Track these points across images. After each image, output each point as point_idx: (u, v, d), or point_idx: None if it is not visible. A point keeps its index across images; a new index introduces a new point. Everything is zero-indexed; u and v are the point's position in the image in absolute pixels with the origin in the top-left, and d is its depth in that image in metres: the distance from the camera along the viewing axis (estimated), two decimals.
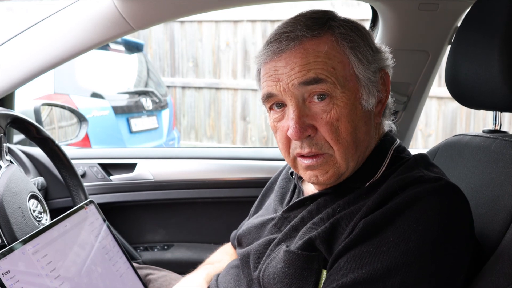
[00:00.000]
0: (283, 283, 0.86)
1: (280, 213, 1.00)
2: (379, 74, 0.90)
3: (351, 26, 0.89)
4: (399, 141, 0.97)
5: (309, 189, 1.02)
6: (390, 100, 0.95)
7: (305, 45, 0.85)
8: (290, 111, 0.86)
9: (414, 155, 0.92)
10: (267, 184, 1.22)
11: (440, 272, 0.75)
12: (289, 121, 0.86)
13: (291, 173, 1.10)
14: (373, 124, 0.91)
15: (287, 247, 0.90)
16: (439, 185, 0.80)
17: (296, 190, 1.05)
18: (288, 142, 0.90)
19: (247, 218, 1.25)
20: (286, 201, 1.05)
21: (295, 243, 0.89)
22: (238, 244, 1.10)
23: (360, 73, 0.86)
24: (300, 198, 0.99)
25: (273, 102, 0.90)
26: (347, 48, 0.86)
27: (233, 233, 1.24)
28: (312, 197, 0.96)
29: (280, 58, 0.86)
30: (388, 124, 0.98)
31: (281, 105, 0.89)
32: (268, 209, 1.10)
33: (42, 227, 1.03)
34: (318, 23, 0.87)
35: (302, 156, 0.89)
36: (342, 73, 0.85)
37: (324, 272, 0.84)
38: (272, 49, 0.87)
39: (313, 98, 0.86)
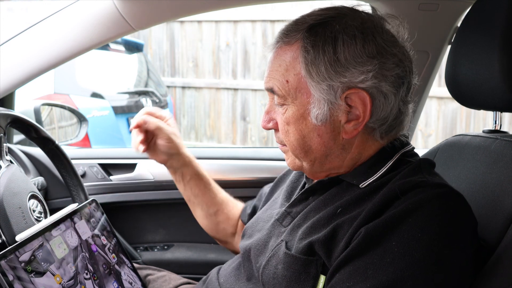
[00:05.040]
0: (281, 284, 0.87)
1: (284, 208, 1.00)
2: (344, 93, 0.85)
3: (327, 36, 0.85)
4: (412, 146, 0.95)
5: None
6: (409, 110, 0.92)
7: (278, 52, 0.91)
8: None
9: (419, 159, 0.91)
10: (283, 172, 1.22)
11: (446, 281, 0.74)
12: None
13: None
14: (339, 138, 0.88)
15: (287, 246, 0.90)
16: (442, 191, 0.79)
17: (306, 185, 1.04)
18: None
19: (257, 199, 1.29)
20: (294, 196, 1.05)
21: (296, 244, 0.88)
22: (243, 235, 1.11)
23: (311, 88, 0.86)
24: (302, 191, 0.99)
25: None
26: (300, 62, 0.87)
27: (245, 205, 1.33)
28: (314, 190, 0.96)
29: (269, 59, 0.94)
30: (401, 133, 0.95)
31: None
32: (276, 203, 1.11)
33: (46, 225, 1.03)
34: (298, 29, 0.88)
35: None
36: (296, 85, 0.88)
37: (322, 278, 0.83)
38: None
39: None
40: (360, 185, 0.88)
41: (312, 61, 0.85)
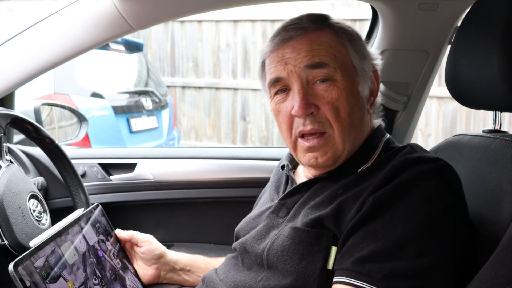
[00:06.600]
0: (293, 259, 0.89)
1: (276, 201, 1.03)
2: (372, 70, 1.01)
3: (349, 28, 1.01)
4: (388, 135, 1.04)
5: (301, 180, 1.07)
6: (378, 99, 1.06)
7: (310, 35, 0.96)
8: (295, 91, 0.95)
9: (409, 144, 0.98)
10: (264, 188, 1.25)
11: (448, 241, 0.81)
12: (294, 99, 0.94)
13: (282, 167, 1.15)
14: (366, 113, 1.01)
15: (293, 225, 0.93)
16: (438, 164, 0.88)
17: (289, 181, 1.09)
18: (290, 121, 0.97)
19: None
20: (281, 190, 1.09)
21: (301, 221, 0.92)
22: (236, 238, 1.12)
23: (357, 63, 0.97)
24: (297, 184, 1.03)
25: (279, 87, 0.98)
26: (346, 40, 0.97)
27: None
28: (309, 183, 1.01)
29: (288, 45, 0.96)
30: (378, 122, 1.07)
31: (285, 90, 0.98)
32: (265, 202, 1.13)
33: (58, 229, 1.03)
34: (320, 20, 0.98)
35: (303, 137, 0.96)
36: (342, 60, 0.96)
37: (334, 249, 0.88)
38: (280, 37, 0.97)
39: (316, 81, 0.95)
40: (358, 171, 0.95)
41: (355, 41, 0.99)
